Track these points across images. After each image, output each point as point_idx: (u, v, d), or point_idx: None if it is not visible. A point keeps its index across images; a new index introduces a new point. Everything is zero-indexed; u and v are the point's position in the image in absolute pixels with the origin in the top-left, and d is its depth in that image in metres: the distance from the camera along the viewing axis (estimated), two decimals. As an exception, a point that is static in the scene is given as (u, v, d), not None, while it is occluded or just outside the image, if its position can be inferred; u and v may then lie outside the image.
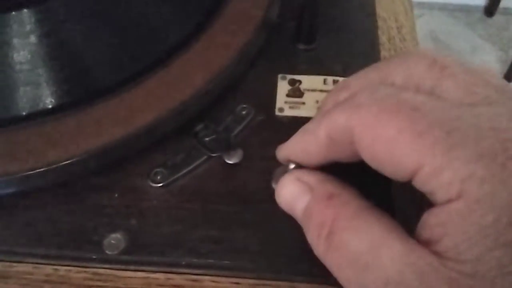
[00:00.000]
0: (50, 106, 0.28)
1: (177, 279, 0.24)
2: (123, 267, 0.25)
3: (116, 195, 0.27)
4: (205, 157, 0.28)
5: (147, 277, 0.25)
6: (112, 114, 0.28)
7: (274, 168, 0.27)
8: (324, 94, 0.31)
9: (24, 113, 0.27)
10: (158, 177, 0.28)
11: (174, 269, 0.25)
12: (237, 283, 0.24)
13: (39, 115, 0.27)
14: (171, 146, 0.29)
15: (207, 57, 0.30)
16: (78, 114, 0.28)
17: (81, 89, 0.28)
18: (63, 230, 0.26)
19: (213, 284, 0.24)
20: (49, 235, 0.26)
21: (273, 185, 0.27)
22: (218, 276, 0.24)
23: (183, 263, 0.25)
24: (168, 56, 0.30)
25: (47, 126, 0.28)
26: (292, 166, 0.24)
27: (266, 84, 0.32)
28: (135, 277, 0.25)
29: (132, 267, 0.25)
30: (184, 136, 0.29)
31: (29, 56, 0.28)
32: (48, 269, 0.25)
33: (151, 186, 0.28)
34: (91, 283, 0.25)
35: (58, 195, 0.27)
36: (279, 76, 0.32)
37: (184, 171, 0.28)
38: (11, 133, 0.27)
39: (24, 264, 0.25)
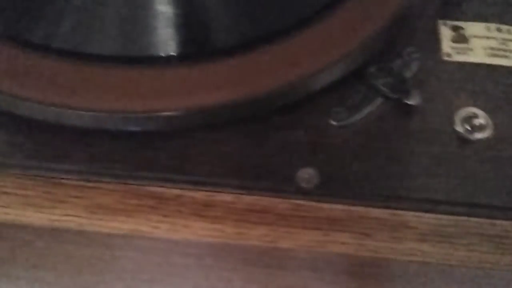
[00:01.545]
0: (241, 40, 0.28)
1: (377, 212, 0.25)
2: (322, 199, 0.25)
3: (301, 132, 0.28)
4: (382, 98, 0.29)
5: (347, 210, 0.25)
6: (292, 55, 0.28)
7: (455, 111, 0.28)
8: (490, 41, 0.31)
9: (219, 46, 0.28)
10: (338, 116, 0.28)
11: (373, 203, 0.25)
12: (437, 219, 0.25)
13: (229, 50, 0.28)
14: (347, 87, 0.29)
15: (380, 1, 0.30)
16: (257, 53, 0.28)
17: (267, 25, 0.28)
18: (255, 163, 0.26)
19: (415, 219, 0.25)
20: (243, 168, 0.26)
21: (457, 128, 0.27)
22: (418, 211, 0.25)
23: (383, 195, 0.25)
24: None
25: (234, 61, 0.28)
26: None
27: (426, 29, 0.32)
28: (335, 209, 0.25)
29: (331, 200, 0.25)
30: (358, 78, 0.29)
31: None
32: (249, 199, 0.25)
33: (333, 125, 0.28)
34: (293, 213, 0.25)
35: (244, 131, 0.27)
36: (440, 22, 0.32)
37: (363, 111, 0.28)
38: (206, 64, 0.27)
39: (226, 194, 0.25)
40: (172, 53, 0.28)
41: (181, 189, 0.26)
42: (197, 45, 0.28)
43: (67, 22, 0.28)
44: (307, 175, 0.26)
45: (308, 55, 0.28)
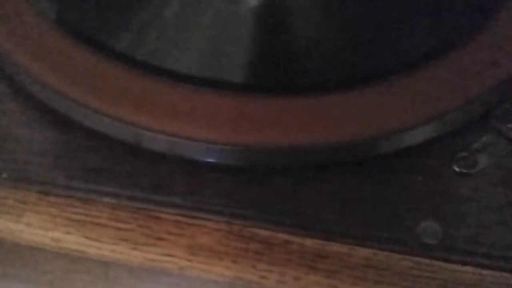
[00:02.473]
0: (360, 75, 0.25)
1: (514, 279, 0.22)
2: (448, 258, 0.22)
3: (421, 178, 0.25)
4: (509, 143, 0.26)
5: (478, 273, 0.22)
6: (412, 95, 0.26)
7: None
8: None
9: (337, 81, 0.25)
10: (463, 162, 0.25)
11: (508, 267, 0.22)
12: None
13: (346, 85, 0.25)
14: (472, 130, 0.26)
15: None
16: (376, 90, 0.26)
17: (390, 59, 0.26)
18: (371, 211, 0.24)
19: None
20: (357, 215, 0.24)
21: None
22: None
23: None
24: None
25: (351, 97, 0.25)
26: None
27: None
28: (464, 272, 0.22)
29: (458, 259, 0.22)
30: (484, 120, 0.26)
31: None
32: (366, 252, 0.23)
33: (456, 172, 0.25)
34: (415, 272, 0.22)
35: (359, 173, 0.25)
36: None
37: (489, 157, 0.25)
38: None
39: (340, 245, 0.23)
40: (285, 85, 0.25)
41: (289, 234, 0.23)
42: (316, 78, 0.25)
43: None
44: (429, 228, 0.24)
45: (432, 96, 0.26)
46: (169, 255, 0.22)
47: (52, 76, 0.24)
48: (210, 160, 0.24)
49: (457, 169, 0.25)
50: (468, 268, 0.22)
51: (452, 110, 0.25)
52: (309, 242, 0.23)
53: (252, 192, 0.24)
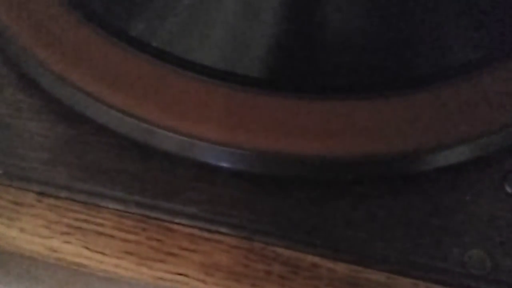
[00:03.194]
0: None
1: None
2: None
3: (468, 198, 0.22)
4: None
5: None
6: (462, 106, 0.23)
7: None
8: None
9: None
10: (516, 184, 0.22)
11: None
12: None
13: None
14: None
15: None
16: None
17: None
18: (410, 234, 0.21)
19: None
20: (393, 237, 0.21)
21: None
22: None
23: None
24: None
25: (403, 101, 0.22)
26: None
27: None
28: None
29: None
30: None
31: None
32: (407, 282, 0.20)
33: (508, 193, 0.22)
34: (462, 308, 0.19)
35: (396, 188, 0.22)
36: None
37: (546, 180, 0.22)
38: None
39: (376, 272, 0.20)
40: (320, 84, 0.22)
41: (319, 256, 0.20)
42: (354, 80, 0.22)
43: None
44: (477, 257, 0.21)
45: (485, 109, 0.23)
46: (180, 273, 0.19)
47: (59, 63, 0.22)
48: (231, 166, 0.21)
49: (509, 190, 0.22)
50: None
51: (507, 125, 0.22)
52: (340, 267, 0.20)
53: (277, 206, 0.21)
